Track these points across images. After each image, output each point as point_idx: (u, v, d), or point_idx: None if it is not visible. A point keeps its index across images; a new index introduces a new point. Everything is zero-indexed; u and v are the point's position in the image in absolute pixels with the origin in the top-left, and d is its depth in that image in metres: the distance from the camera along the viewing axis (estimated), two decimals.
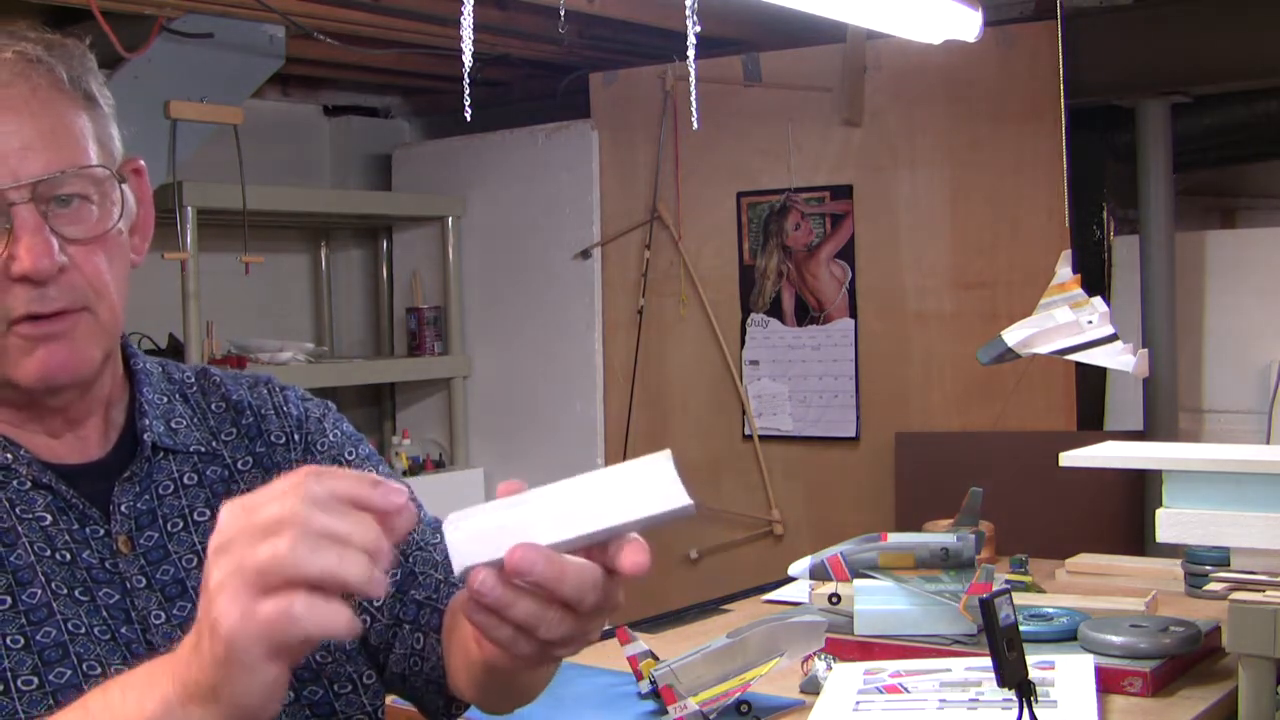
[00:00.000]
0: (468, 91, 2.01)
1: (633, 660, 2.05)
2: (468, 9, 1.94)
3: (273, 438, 1.28)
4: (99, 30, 3.18)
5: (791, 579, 2.44)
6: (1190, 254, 3.97)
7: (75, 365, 1.13)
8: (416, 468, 4.69)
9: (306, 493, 0.81)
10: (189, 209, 3.82)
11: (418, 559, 1.30)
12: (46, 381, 1.12)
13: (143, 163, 1.21)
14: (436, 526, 1.32)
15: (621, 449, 4.45)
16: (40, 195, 1.08)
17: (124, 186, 1.16)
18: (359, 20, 3.78)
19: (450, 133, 4.96)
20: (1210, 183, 4.57)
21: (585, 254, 4.52)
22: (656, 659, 2.03)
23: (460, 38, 1.96)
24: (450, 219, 4.75)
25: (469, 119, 2.19)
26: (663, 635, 2.39)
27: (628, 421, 4.45)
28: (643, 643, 2.08)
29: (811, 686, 2.04)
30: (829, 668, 2.05)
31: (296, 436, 1.30)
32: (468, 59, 1.97)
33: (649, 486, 0.89)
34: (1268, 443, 3.73)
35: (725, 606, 2.66)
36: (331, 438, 1.32)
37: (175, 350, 3.95)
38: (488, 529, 0.87)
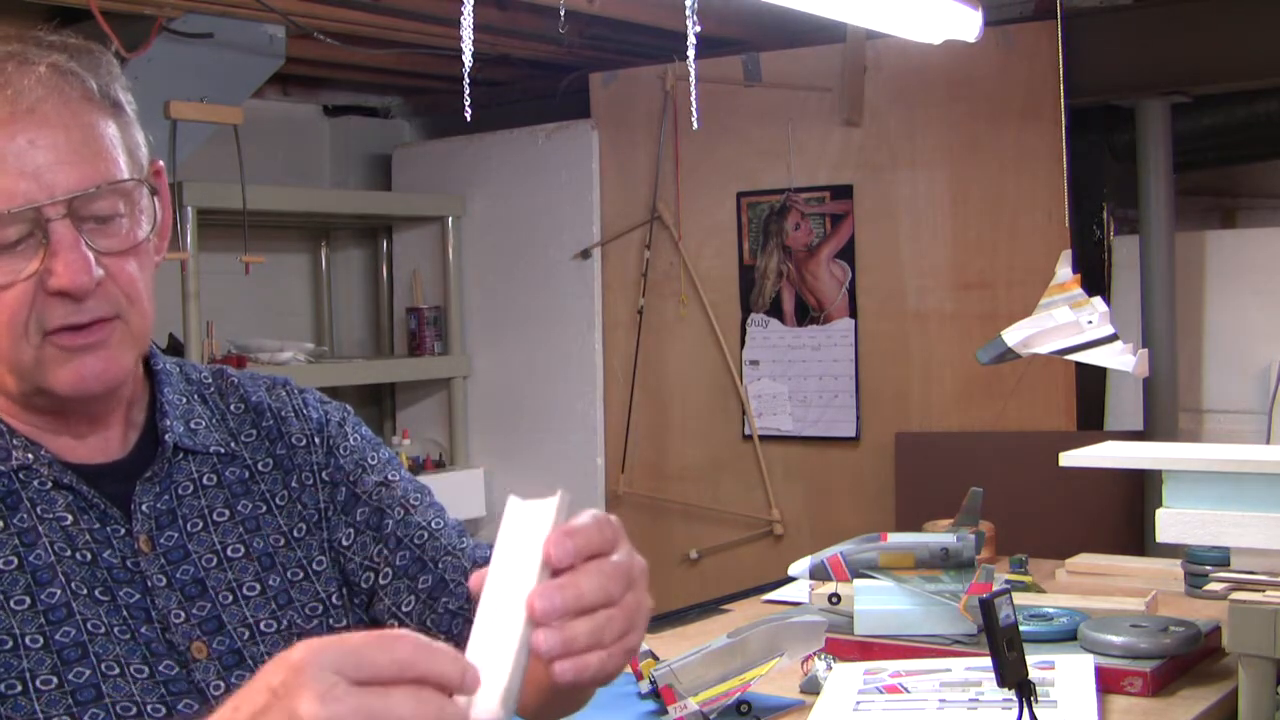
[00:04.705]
0: (468, 91, 2.01)
1: (633, 660, 2.05)
2: (468, 9, 1.94)
3: (293, 440, 1.29)
4: (99, 30, 3.18)
5: (791, 579, 2.44)
6: (1190, 254, 3.97)
7: (110, 374, 1.14)
8: (416, 468, 4.69)
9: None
10: (189, 209, 3.83)
11: (446, 565, 1.29)
12: (82, 391, 1.13)
13: (161, 163, 1.23)
14: (462, 530, 1.32)
15: (621, 449, 4.45)
16: (75, 211, 1.09)
17: (153, 196, 1.17)
18: (359, 20, 3.78)
19: (450, 133, 4.96)
20: (1210, 183, 4.57)
21: (585, 254, 4.52)
22: (656, 659, 2.03)
23: (460, 38, 1.96)
24: (450, 219, 4.75)
25: (469, 119, 2.19)
26: (663, 635, 2.39)
27: (628, 421, 4.45)
28: (643, 643, 2.08)
29: (811, 686, 2.04)
30: (829, 668, 2.05)
31: (317, 440, 1.31)
32: (468, 59, 1.97)
33: (535, 523, 0.92)
34: (1268, 443, 3.73)
35: (725, 606, 2.66)
36: (352, 442, 1.33)
37: (175, 350, 3.95)
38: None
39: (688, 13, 2.11)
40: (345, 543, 1.27)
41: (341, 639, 0.81)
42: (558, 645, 0.88)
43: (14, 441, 1.14)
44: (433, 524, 1.30)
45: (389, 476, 1.31)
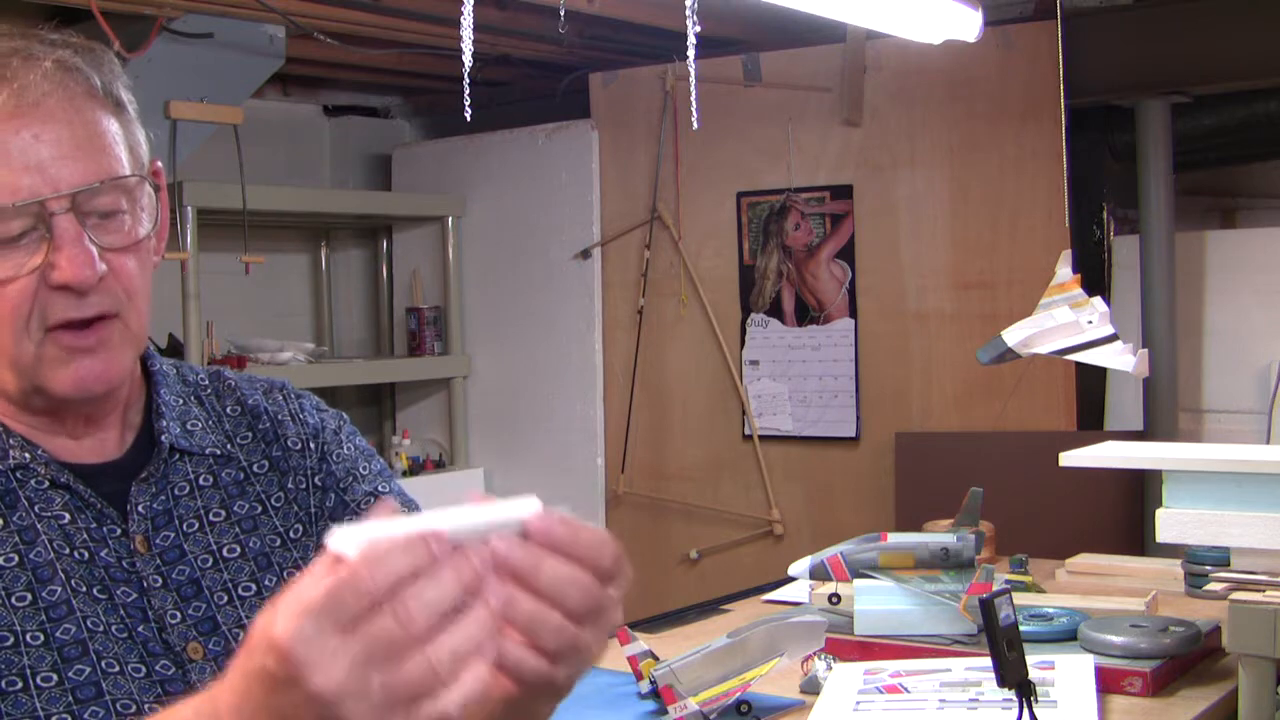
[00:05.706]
0: (468, 91, 2.01)
1: (633, 660, 2.05)
2: (468, 9, 1.94)
3: (289, 443, 1.30)
4: (99, 30, 3.18)
5: (791, 579, 2.44)
6: (1190, 254, 3.97)
7: (109, 375, 1.14)
8: (416, 468, 4.69)
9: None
10: (189, 209, 3.83)
11: None
12: (83, 392, 1.14)
13: (160, 165, 1.23)
14: None
15: (621, 449, 4.45)
16: (78, 205, 1.10)
17: (155, 192, 1.18)
18: (359, 20, 3.78)
19: (450, 133, 4.96)
20: (1210, 183, 4.57)
21: (585, 254, 4.52)
22: (656, 659, 2.03)
23: (460, 38, 1.96)
24: (450, 219, 4.75)
25: (469, 119, 2.19)
26: (663, 635, 2.39)
27: (628, 421, 4.45)
28: (643, 643, 2.08)
29: (811, 686, 2.04)
30: (829, 668, 2.05)
31: (312, 445, 1.31)
32: (468, 59, 1.97)
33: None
34: (1268, 443, 3.73)
35: (725, 606, 2.66)
36: (346, 450, 1.33)
37: (175, 350, 3.95)
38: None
39: (688, 13, 2.11)
40: None
41: (304, 603, 0.77)
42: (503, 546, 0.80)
43: (10, 441, 1.15)
44: None
45: (379, 488, 1.31)
